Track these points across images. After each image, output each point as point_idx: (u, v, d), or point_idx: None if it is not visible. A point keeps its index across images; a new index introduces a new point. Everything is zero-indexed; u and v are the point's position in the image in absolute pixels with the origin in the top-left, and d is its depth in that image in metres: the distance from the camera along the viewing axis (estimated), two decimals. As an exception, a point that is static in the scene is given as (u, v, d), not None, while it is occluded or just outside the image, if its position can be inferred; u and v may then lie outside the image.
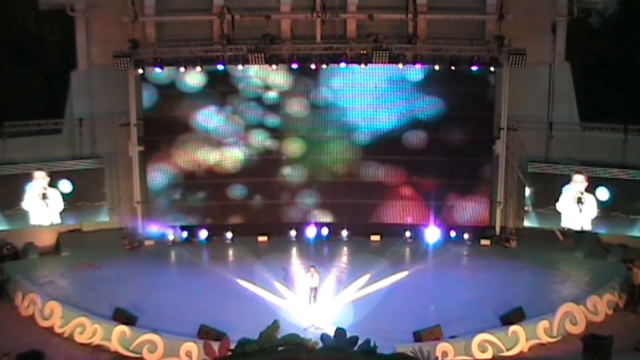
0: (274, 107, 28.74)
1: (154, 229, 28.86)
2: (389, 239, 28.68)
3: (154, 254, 28.11)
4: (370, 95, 28.68)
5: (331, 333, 16.92)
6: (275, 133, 28.95)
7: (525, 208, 27.88)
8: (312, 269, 23.34)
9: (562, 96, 28.80)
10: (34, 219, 27.46)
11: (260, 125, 28.83)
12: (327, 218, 29.25)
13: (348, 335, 16.64)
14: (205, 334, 20.82)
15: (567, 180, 26.99)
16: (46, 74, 33.75)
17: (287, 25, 28.56)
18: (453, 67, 27.50)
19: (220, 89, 28.54)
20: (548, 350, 21.09)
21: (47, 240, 28.52)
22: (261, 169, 29.14)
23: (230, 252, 28.39)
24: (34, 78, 33.55)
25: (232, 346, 16.60)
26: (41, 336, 21.77)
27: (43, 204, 27.39)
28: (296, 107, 28.76)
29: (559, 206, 27.17)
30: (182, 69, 27.80)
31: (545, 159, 28.28)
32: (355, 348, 16.32)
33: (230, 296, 24.21)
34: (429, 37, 28.20)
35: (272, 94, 28.63)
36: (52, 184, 27.45)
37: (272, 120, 28.82)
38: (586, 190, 26.79)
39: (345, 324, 19.32)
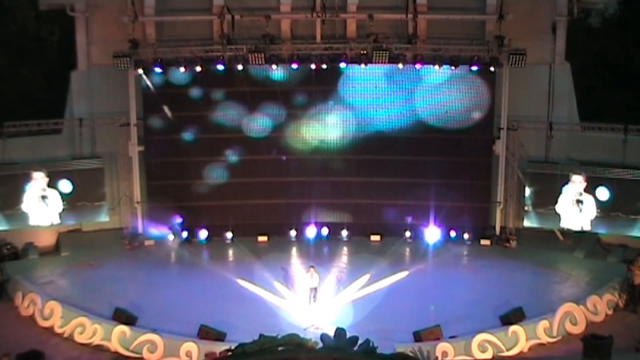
0: (275, 107, 28.72)
1: (154, 229, 28.87)
2: (389, 239, 28.69)
3: (154, 254, 28.11)
4: (370, 95, 28.70)
5: (331, 333, 16.93)
6: (276, 133, 28.94)
7: (525, 208, 27.90)
8: (311, 269, 23.38)
9: (562, 96, 28.81)
10: (34, 220, 27.46)
11: (260, 125, 28.83)
12: (327, 218, 29.25)
13: (348, 335, 16.65)
14: (205, 334, 20.83)
15: (567, 180, 27.01)
16: (46, 74, 33.70)
17: (287, 25, 28.58)
18: (453, 67, 27.52)
19: (221, 89, 28.53)
20: (548, 350, 21.09)
21: (47, 240, 28.53)
22: (261, 169, 29.14)
23: (230, 252, 28.39)
24: (34, 78, 33.51)
25: (232, 346, 16.67)
26: (41, 336, 21.78)
27: (42, 204, 27.39)
28: (296, 107, 28.76)
29: (558, 207, 27.18)
30: (182, 69, 27.81)
31: (545, 159, 28.31)
32: (355, 348, 16.34)
33: (230, 296, 24.21)
34: (429, 37, 28.23)
35: (272, 94, 28.63)
36: (52, 184, 27.48)
37: (272, 120, 28.83)
38: (585, 190, 26.82)
39: (345, 324, 19.32)
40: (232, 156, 28.98)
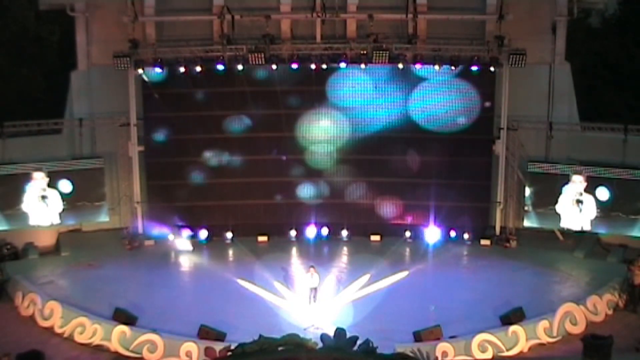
0: (275, 107, 28.70)
1: (154, 229, 28.87)
2: (389, 239, 28.68)
3: (154, 254, 28.10)
4: (370, 95, 28.70)
5: (331, 333, 16.92)
6: (276, 133, 28.93)
7: (525, 208, 27.90)
8: (311, 269, 23.39)
9: (562, 96, 28.81)
10: (34, 220, 27.46)
11: (260, 125, 28.83)
12: (327, 218, 29.23)
13: (348, 335, 16.65)
14: (205, 334, 20.83)
15: (567, 180, 27.03)
16: (46, 74, 33.70)
17: (287, 25, 28.58)
18: (453, 67, 27.53)
19: (221, 89, 28.52)
20: (548, 350, 21.09)
21: (47, 240, 28.53)
22: (261, 169, 29.13)
23: (230, 252, 28.39)
24: (34, 78, 33.51)
25: (232, 346, 16.65)
26: (41, 336, 21.78)
27: (42, 204, 27.39)
28: (296, 107, 28.75)
29: (558, 207, 27.19)
30: (182, 69, 27.81)
31: (545, 159, 28.29)
32: (355, 348, 16.33)
33: (230, 296, 24.21)
34: (429, 37, 28.22)
35: (272, 94, 28.61)
36: (52, 184, 27.48)
37: (272, 120, 28.80)
38: (585, 190, 26.82)
39: (345, 324, 19.33)
40: (232, 156, 28.98)
